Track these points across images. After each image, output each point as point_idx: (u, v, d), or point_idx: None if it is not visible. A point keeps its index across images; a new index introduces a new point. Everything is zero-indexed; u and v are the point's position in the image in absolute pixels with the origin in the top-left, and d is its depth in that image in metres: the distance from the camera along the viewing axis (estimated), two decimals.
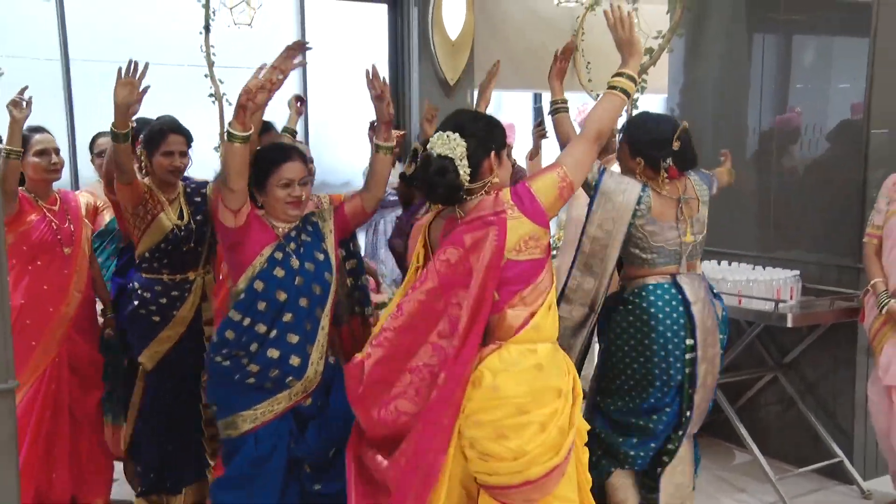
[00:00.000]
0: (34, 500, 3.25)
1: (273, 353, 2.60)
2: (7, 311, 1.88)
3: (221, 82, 5.32)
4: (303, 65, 2.57)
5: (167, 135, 3.21)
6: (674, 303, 2.88)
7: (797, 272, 3.90)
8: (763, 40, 4.30)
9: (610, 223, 2.84)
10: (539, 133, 4.24)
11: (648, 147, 2.90)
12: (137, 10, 5.60)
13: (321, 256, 2.70)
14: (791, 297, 3.80)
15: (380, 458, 2.32)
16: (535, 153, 4.32)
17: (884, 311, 3.37)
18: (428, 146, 2.36)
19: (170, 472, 3.37)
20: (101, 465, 3.53)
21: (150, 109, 5.19)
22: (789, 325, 3.60)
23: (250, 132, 2.49)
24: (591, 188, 2.88)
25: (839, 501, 3.76)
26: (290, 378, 2.63)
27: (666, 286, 2.91)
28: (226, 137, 2.48)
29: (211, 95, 5.31)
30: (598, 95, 6.40)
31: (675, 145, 2.87)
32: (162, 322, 3.24)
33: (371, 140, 3.25)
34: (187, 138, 3.28)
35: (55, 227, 3.28)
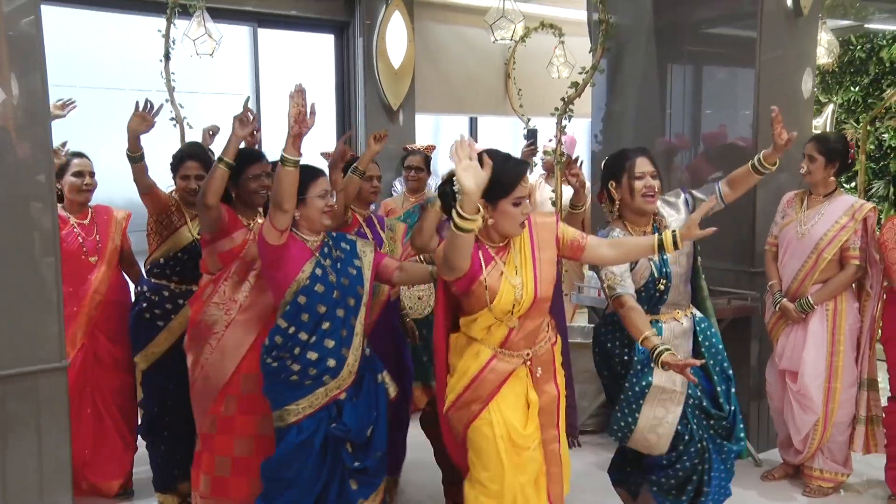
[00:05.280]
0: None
1: (312, 356, 2.95)
2: (60, 300, 2.30)
3: (182, 107, 5.69)
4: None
5: (185, 160, 3.62)
6: None
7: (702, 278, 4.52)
8: (671, 74, 4.94)
9: None
10: (529, 152, 4.74)
11: None
12: (101, 37, 5.94)
13: (354, 272, 3.05)
14: None
15: None
16: None
17: (777, 308, 4.03)
18: None
19: (176, 468, 3.66)
20: (118, 448, 3.85)
21: (112, 132, 5.52)
22: None
23: (301, 157, 2.81)
24: None
25: (737, 469, 4.35)
26: (327, 377, 2.98)
27: None
28: (280, 163, 2.75)
29: (172, 119, 5.67)
30: (528, 119, 6.99)
31: None
32: (164, 326, 3.59)
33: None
34: (204, 163, 3.60)
35: (81, 239, 3.67)
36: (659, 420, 3.09)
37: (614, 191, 3.12)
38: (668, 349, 2.79)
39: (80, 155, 3.68)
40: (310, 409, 2.99)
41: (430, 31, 7.18)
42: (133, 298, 3.77)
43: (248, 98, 3.15)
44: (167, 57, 5.54)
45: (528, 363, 2.76)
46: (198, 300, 3.30)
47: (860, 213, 3.86)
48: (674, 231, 2.71)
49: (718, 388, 3.18)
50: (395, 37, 6.74)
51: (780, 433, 4.25)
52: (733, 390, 3.24)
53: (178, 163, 3.65)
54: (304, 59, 6.84)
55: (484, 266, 2.63)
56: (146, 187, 3.51)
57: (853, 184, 6.60)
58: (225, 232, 3.20)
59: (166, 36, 5.52)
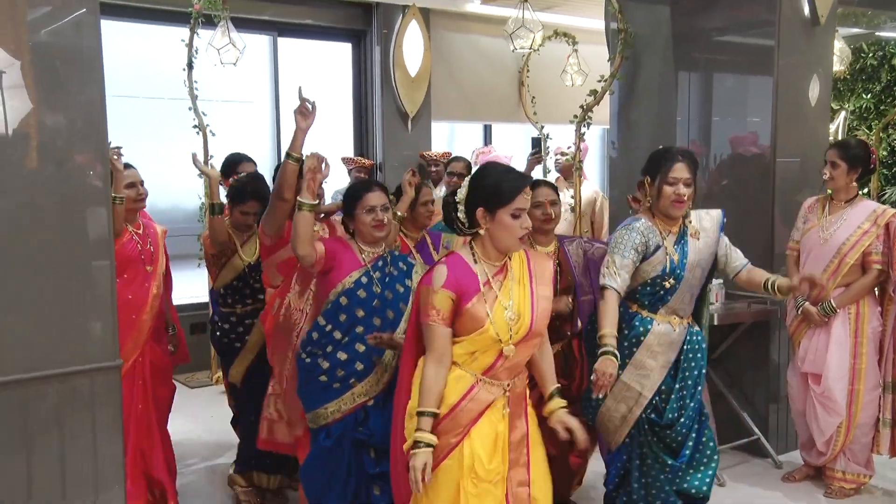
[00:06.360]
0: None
1: (342, 356, 3.04)
2: (114, 303, 2.37)
3: (204, 114, 5.77)
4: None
5: (247, 199, 3.69)
6: None
7: (721, 280, 4.57)
8: (688, 82, 5.01)
9: None
10: (535, 160, 4.84)
11: None
12: (126, 46, 6.03)
13: (402, 289, 3.14)
14: (717, 301, 4.47)
15: None
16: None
17: (799, 312, 4.09)
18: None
19: (270, 458, 3.78)
20: (168, 450, 3.90)
21: (139, 139, 5.55)
22: (715, 323, 4.26)
23: (318, 202, 2.96)
24: None
25: (757, 471, 4.42)
26: (353, 379, 3.06)
27: None
28: (297, 208, 2.89)
29: (195, 127, 5.76)
30: (542, 127, 7.06)
31: None
32: (241, 346, 3.75)
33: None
34: (264, 203, 3.60)
35: (140, 248, 3.69)
36: (621, 414, 3.21)
37: (648, 186, 3.17)
38: (612, 354, 2.95)
39: (128, 166, 3.71)
40: (338, 414, 3.08)
41: (445, 40, 7.28)
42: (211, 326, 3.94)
43: (301, 88, 3.10)
44: (190, 66, 5.62)
45: (507, 394, 2.60)
46: (268, 315, 3.43)
47: (882, 219, 3.92)
48: None
49: (673, 394, 3.21)
50: (412, 46, 6.85)
51: (801, 435, 4.30)
52: (692, 405, 3.24)
53: (240, 196, 3.72)
54: (323, 68, 6.95)
55: (482, 287, 2.52)
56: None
57: (866, 189, 6.65)
58: (284, 240, 3.31)
59: (189, 45, 5.60)
